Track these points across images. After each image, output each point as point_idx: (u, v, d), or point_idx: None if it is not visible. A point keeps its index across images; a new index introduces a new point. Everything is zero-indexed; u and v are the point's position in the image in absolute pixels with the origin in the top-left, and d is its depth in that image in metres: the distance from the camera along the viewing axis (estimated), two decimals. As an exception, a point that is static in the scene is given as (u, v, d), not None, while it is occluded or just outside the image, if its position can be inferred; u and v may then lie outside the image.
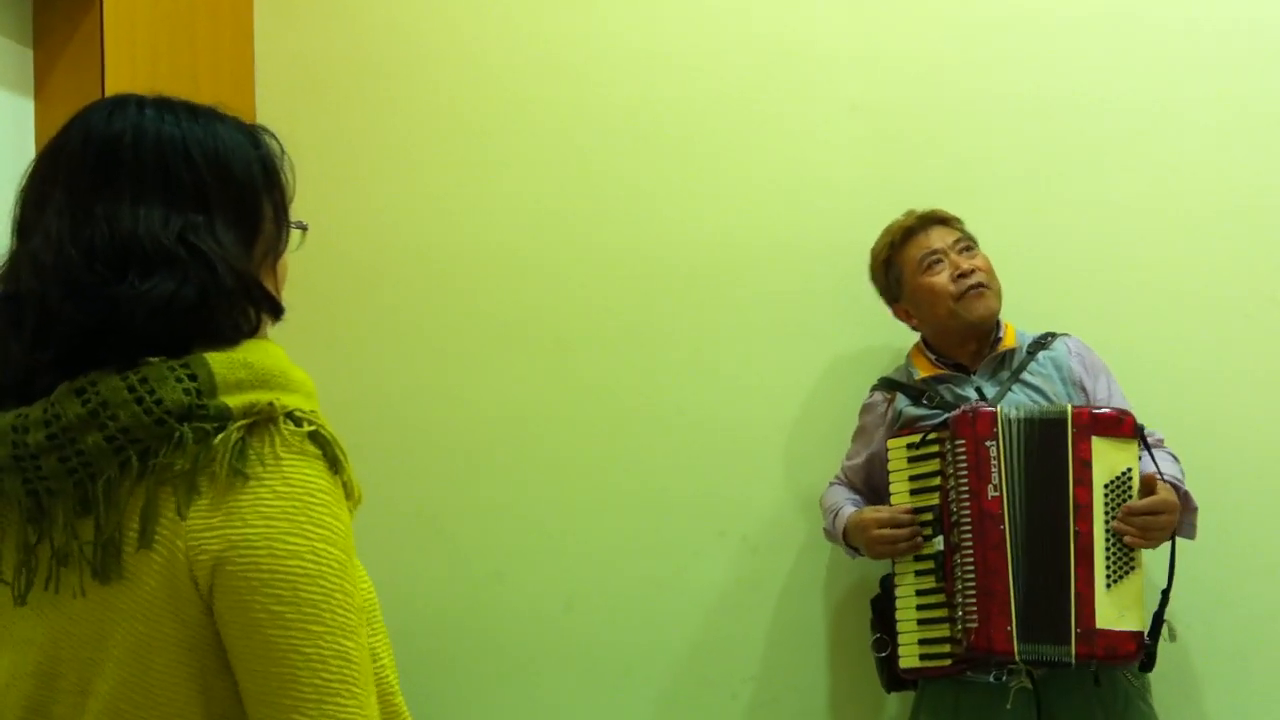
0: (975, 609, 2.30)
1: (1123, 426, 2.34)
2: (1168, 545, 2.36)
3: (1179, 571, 2.36)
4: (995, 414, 2.35)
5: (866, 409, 2.66)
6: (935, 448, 2.41)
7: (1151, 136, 2.81)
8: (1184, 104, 2.80)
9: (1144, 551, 2.34)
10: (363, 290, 3.06)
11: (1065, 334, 2.57)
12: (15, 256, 1.18)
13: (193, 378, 1.12)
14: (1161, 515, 2.30)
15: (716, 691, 2.91)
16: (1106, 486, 2.31)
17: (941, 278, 2.51)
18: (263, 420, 1.13)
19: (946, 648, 2.36)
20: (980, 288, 2.49)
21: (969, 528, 2.33)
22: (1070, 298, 2.79)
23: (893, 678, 2.50)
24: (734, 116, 2.96)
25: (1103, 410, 2.37)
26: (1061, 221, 2.83)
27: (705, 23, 2.99)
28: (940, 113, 2.89)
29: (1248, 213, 2.76)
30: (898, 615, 2.43)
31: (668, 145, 2.99)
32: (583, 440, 2.99)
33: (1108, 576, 2.28)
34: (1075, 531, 2.29)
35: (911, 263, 2.55)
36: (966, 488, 2.34)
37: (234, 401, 1.12)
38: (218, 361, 1.13)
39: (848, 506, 2.60)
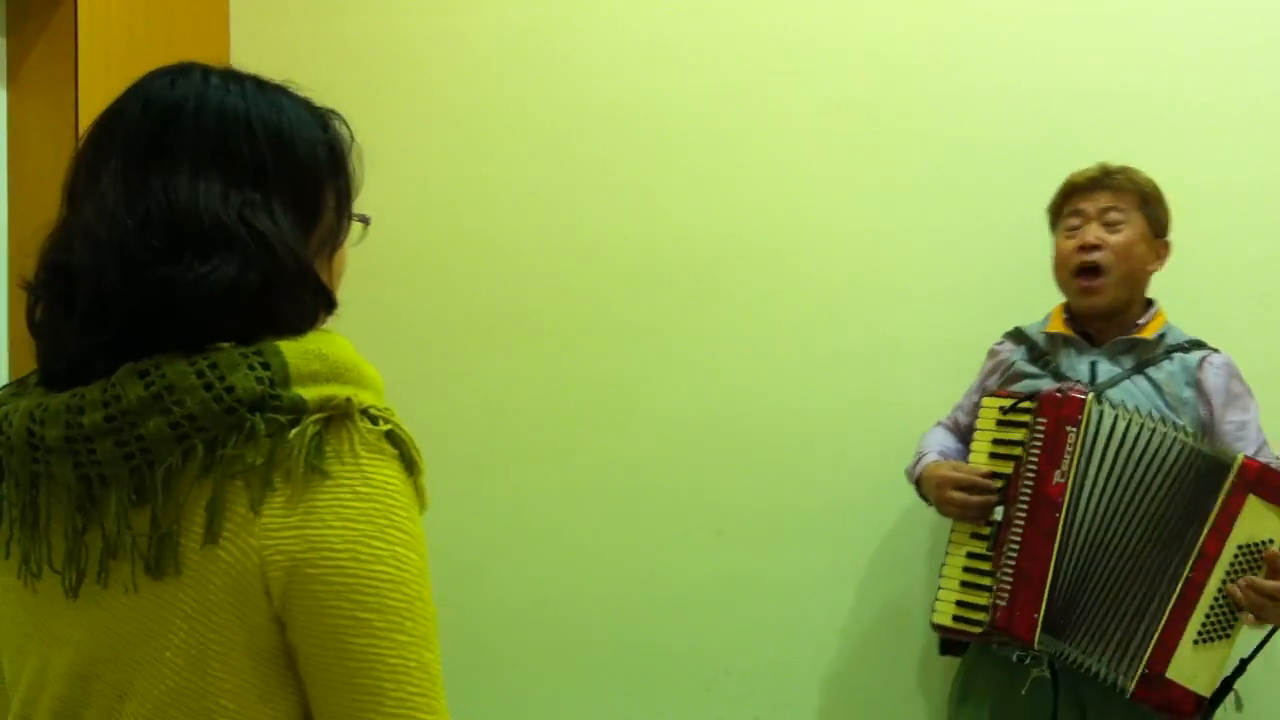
0: (1008, 588, 2.27)
1: None
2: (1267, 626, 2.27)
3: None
4: (1086, 401, 2.28)
5: (991, 354, 2.61)
6: (1026, 417, 2.35)
7: (1142, 130, 2.79)
8: (1176, 98, 2.78)
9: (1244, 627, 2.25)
10: (343, 284, 3.04)
11: (1216, 350, 2.46)
12: (68, 225, 1.11)
13: (265, 366, 1.05)
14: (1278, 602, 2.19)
15: (692, 686, 2.91)
16: (1241, 548, 2.22)
17: (1069, 243, 2.46)
18: (339, 416, 1.06)
19: (981, 615, 2.32)
20: (1092, 274, 2.41)
21: (1025, 506, 2.28)
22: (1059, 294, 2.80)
23: (947, 642, 2.46)
24: (725, 112, 2.95)
25: (1274, 471, 2.23)
26: (1042, 219, 2.83)
27: (697, 18, 2.97)
28: (934, 107, 2.87)
29: (1242, 206, 2.76)
30: (944, 570, 2.40)
31: (657, 140, 2.97)
32: (563, 434, 2.98)
33: (1199, 634, 2.21)
34: (1188, 577, 2.21)
35: (1063, 218, 2.51)
36: (1034, 468, 2.29)
37: (309, 394, 1.06)
38: (291, 351, 1.07)
39: (933, 454, 2.55)
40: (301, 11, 3.12)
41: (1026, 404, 2.34)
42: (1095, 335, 2.47)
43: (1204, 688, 2.20)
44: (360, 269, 3.05)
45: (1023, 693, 2.30)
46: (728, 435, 2.92)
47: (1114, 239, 2.42)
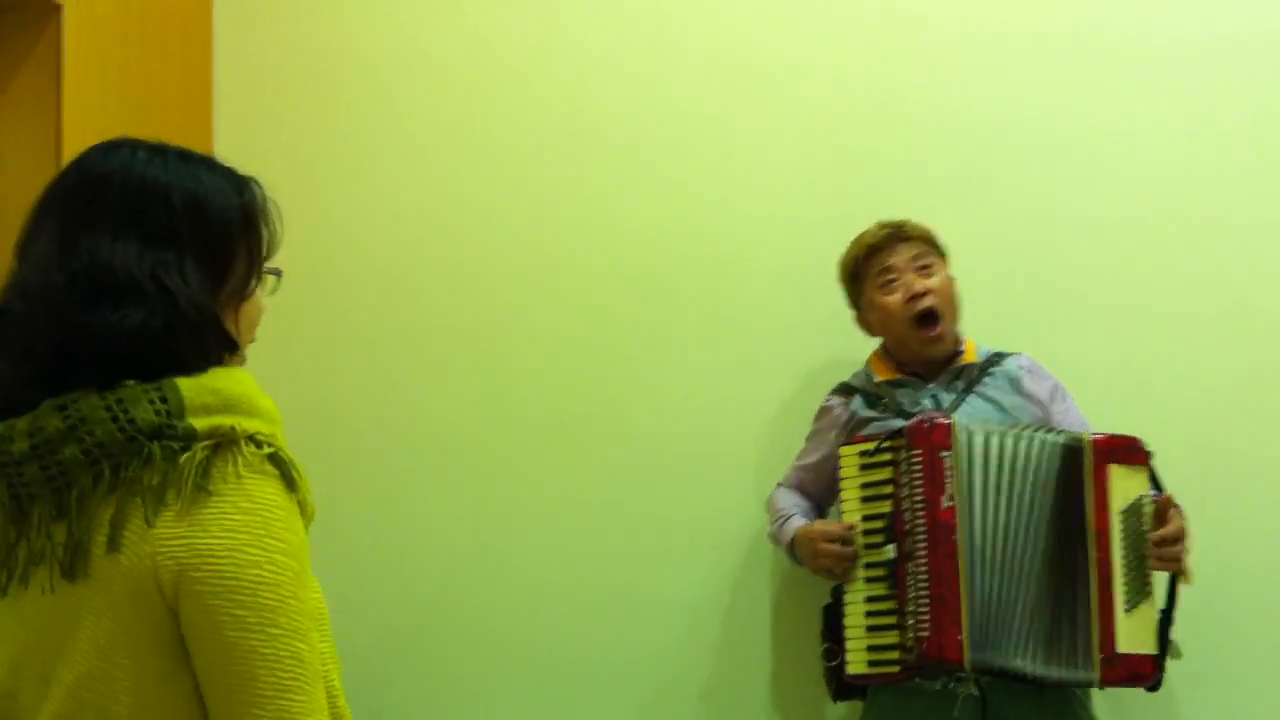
0: (927, 617, 2.32)
1: (1137, 455, 2.38)
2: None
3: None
4: (952, 425, 2.37)
5: (822, 412, 2.69)
6: (888, 456, 2.42)
7: (1115, 151, 2.85)
8: (1147, 119, 2.84)
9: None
10: (318, 301, 3.07)
11: (1016, 354, 2.60)
12: (13, 277, 1.29)
13: (164, 400, 1.22)
14: (1184, 542, 2.35)
15: (677, 697, 2.93)
16: (1122, 514, 2.35)
17: (895, 297, 2.55)
18: (226, 442, 1.23)
19: (896, 654, 2.37)
20: (930, 321, 2.52)
21: (923, 537, 2.35)
22: (1033, 312, 2.83)
23: (840, 686, 2.52)
24: (697, 130, 2.99)
25: (1120, 437, 2.40)
26: (1024, 236, 2.87)
27: (670, 37, 3.02)
28: (904, 127, 2.92)
29: (1210, 225, 2.81)
30: (846, 621, 2.45)
31: (630, 158, 3.02)
32: (544, 448, 3.00)
33: (1126, 602, 2.32)
34: (1095, 558, 2.32)
35: (871, 277, 2.60)
36: (921, 497, 2.35)
37: (200, 424, 1.23)
38: (187, 386, 1.24)
39: (797, 517, 2.62)
40: (283, 33, 3.16)
41: (889, 443, 2.42)
42: (924, 371, 2.57)
43: (1152, 646, 2.33)
44: (334, 287, 3.11)
45: (955, 713, 2.36)
46: (704, 447, 2.94)
47: (934, 283, 2.55)
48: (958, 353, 2.58)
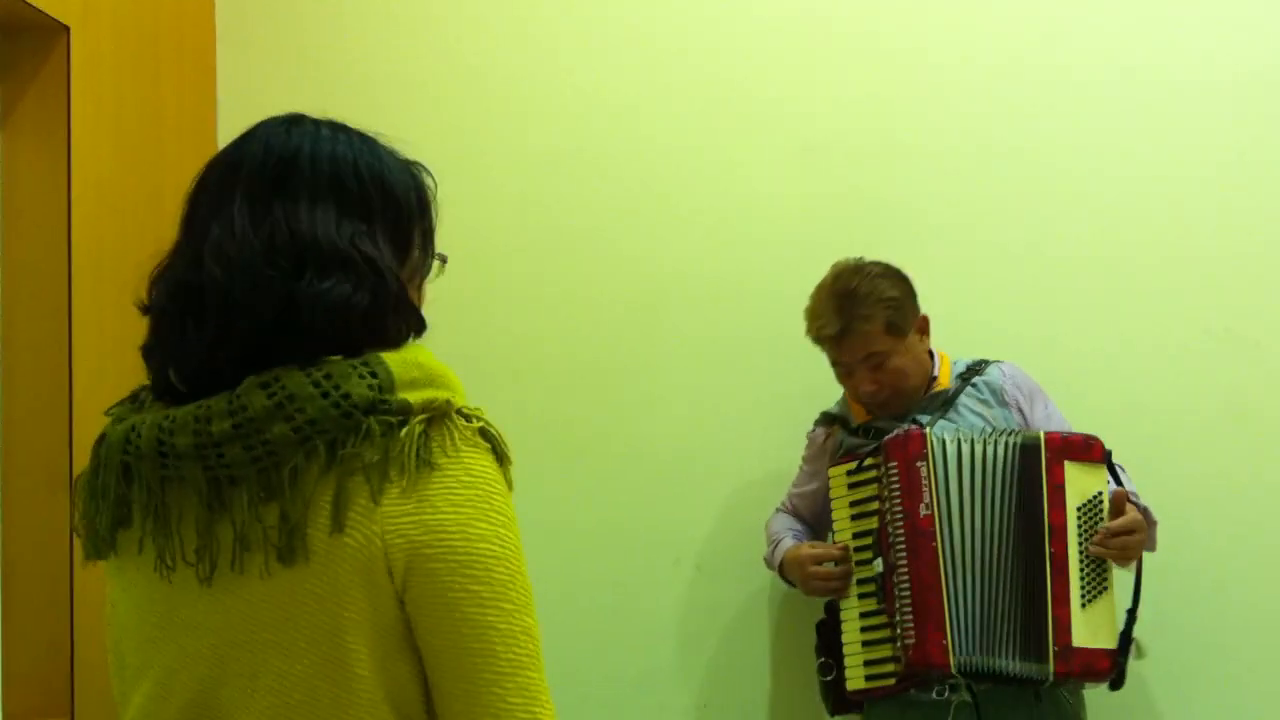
0: (912, 626, 2.36)
1: (1093, 452, 2.41)
2: (1132, 565, 2.43)
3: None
4: (925, 435, 2.41)
5: (811, 442, 2.73)
6: (873, 473, 2.46)
7: (1098, 177, 2.90)
8: (1129, 146, 2.90)
9: (1114, 572, 2.41)
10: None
11: (999, 360, 2.62)
12: (193, 249, 1.23)
13: (374, 375, 1.18)
14: (1136, 534, 2.37)
15: (671, 716, 2.95)
16: (1079, 509, 2.38)
17: (849, 384, 2.58)
18: (439, 415, 1.20)
19: (890, 667, 2.41)
20: (885, 405, 2.54)
21: (903, 547, 2.38)
22: (1019, 332, 2.87)
23: (838, 700, 2.54)
24: (686, 156, 3.03)
25: (1074, 435, 2.43)
26: (1009, 261, 2.92)
27: (657, 64, 3.06)
28: (889, 154, 2.97)
29: (1191, 250, 2.86)
30: (843, 638, 2.49)
31: (619, 183, 3.06)
32: (532, 470, 2.99)
33: (1083, 596, 2.34)
34: (1050, 553, 2.35)
35: (828, 358, 2.61)
36: (900, 508, 2.39)
37: (412, 397, 1.19)
38: (394, 361, 1.20)
39: (788, 538, 2.66)
40: (286, 55, 3.19)
41: (870, 460, 2.45)
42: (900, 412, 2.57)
43: (1108, 640, 2.35)
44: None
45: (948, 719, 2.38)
46: (706, 469, 2.98)
47: (885, 376, 2.51)
48: (933, 379, 2.59)
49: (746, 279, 2.98)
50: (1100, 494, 2.39)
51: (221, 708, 1.20)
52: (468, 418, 1.22)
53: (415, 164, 1.35)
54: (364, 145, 1.29)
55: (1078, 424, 2.57)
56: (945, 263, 2.76)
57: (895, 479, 2.40)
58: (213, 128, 3.12)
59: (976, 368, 2.60)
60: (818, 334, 2.56)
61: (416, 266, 1.32)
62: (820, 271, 2.70)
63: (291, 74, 3.18)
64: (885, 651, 2.42)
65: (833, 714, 2.60)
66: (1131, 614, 2.42)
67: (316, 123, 1.29)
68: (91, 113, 2.65)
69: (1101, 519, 2.38)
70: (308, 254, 1.19)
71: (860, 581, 2.47)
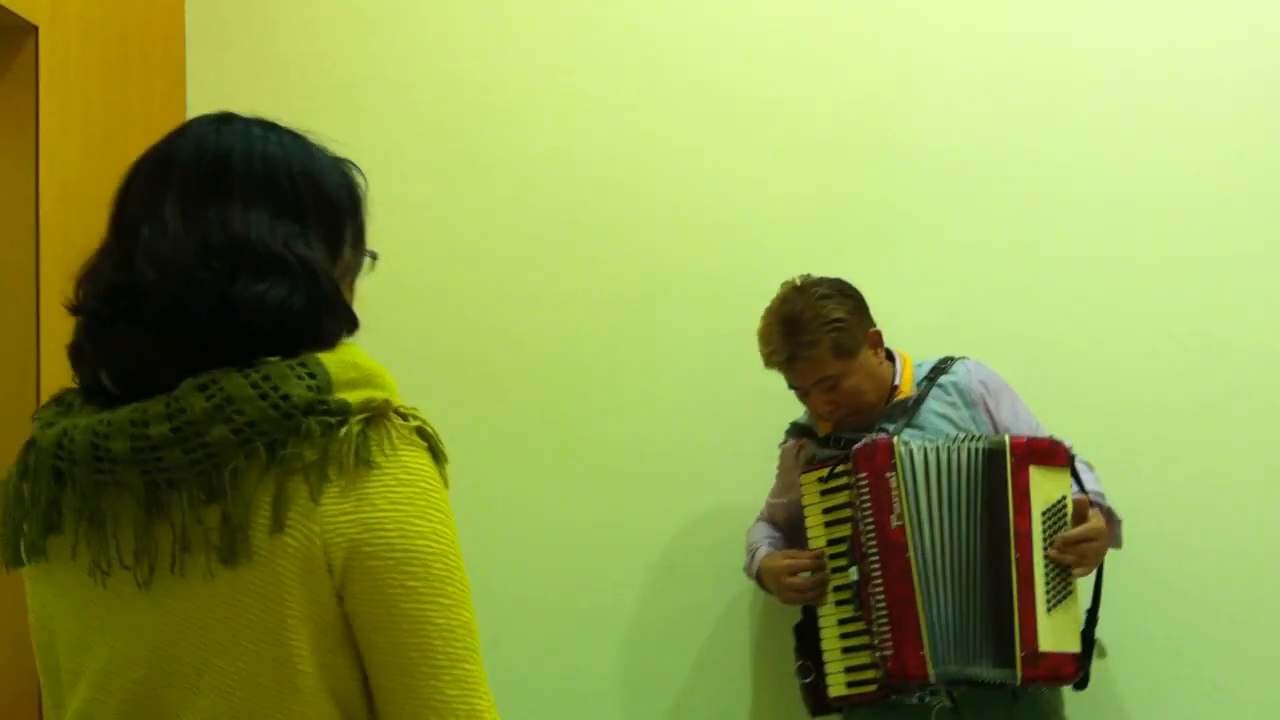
0: (889, 637, 2.37)
1: (1057, 456, 2.41)
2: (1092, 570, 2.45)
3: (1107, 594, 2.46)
4: (893, 445, 2.41)
5: (783, 454, 2.73)
6: (844, 479, 2.46)
7: (1083, 177, 2.92)
8: (1116, 147, 2.92)
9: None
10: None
11: (964, 357, 2.62)
12: (123, 249, 1.22)
13: (312, 375, 1.18)
14: (1094, 542, 2.39)
15: (658, 717, 2.95)
16: (1044, 514, 2.38)
17: (809, 403, 2.60)
18: (377, 415, 1.21)
19: (871, 674, 2.42)
20: (845, 420, 2.55)
21: (876, 559, 2.39)
22: (993, 332, 2.88)
23: (818, 702, 2.55)
24: (681, 157, 3.03)
25: (1038, 440, 2.43)
26: (992, 262, 2.93)
27: (644, 65, 3.06)
28: (875, 155, 2.98)
29: (1164, 252, 2.88)
30: (823, 645, 2.49)
31: (604, 183, 3.05)
32: (514, 473, 3.01)
33: (1048, 601, 2.35)
34: (1015, 559, 2.35)
35: (785, 380, 2.61)
36: (871, 520, 2.40)
37: (350, 397, 1.20)
38: (331, 362, 1.21)
39: (764, 546, 2.66)
40: (256, 54, 3.18)
41: (842, 466, 2.45)
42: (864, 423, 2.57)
43: (1074, 644, 2.37)
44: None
45: None
46: (681, 473, 2.98)
47: (840, 396, 2.52)
48: (894, 387, 2.59)
49: (737, 281, 2.97)
50: (1064, 498, 2.39)
51: (163, 709, 1.21)
52: (405, 417, 1.23)
53: (345, 161, 1.35)
54: (295, 144, 1.29)
55: (1050, 425, 2.58)
56: (926, 262, 2.76)
57: (865, 489, 2.41)
58: (183, 127, 3.10)
59: (941, 367, 2.59)
60: (768, 360, 2.57)
61: (348, 265, 1.33)
62: (814, 273, 2.71)
63: (262, 76, 3.17)
64: (865, 658, 2.43)
65: (814, 714, 2.60)
66: (1092, 615, 2.44)
67: (247, 121, 1.29)
68: (59, 113, 2.63)
69: (1065, 523, 2.39)
70: (242, 256, 1.19)
71: (837, 589, 2.47)
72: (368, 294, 3.15)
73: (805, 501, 2.54)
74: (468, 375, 3.04)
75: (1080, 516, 2.39)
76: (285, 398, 1.16)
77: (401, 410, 1.24)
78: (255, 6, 3.19)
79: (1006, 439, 2.41)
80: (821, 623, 2.50)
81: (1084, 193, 2.91)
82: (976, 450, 2.40)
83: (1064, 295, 2.90)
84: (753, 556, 2.67)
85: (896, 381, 2.60)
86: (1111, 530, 2.48)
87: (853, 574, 2.43)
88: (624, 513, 2.99)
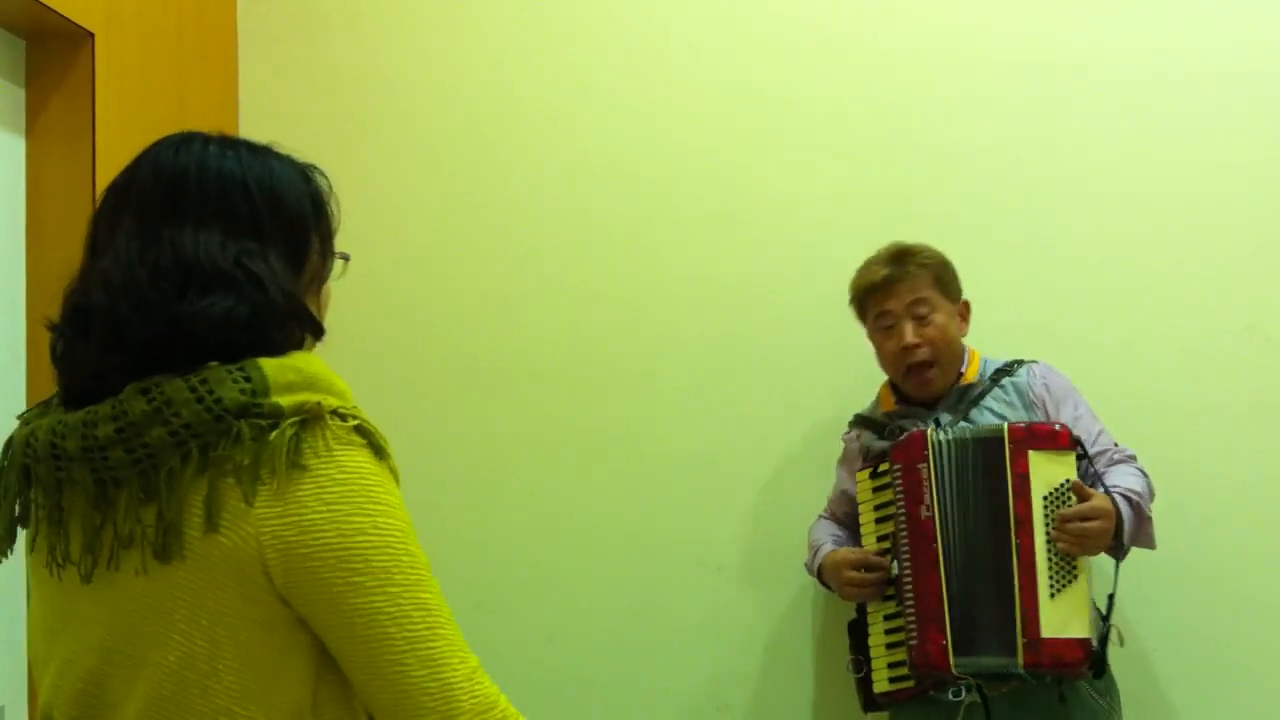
0: (915, 627, 2.37)
1: (1059, 439, 2.38)
2: (1099, 554, 2.41)
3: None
4: (925, 436, 2.41)
5: (845, 444, 2.73)
6: (887, 478, 2.47)
7: (1118, 174, 2.89)
8: (1148, 143, 2.89)
9: (1094, 560, 2.39)
10: (342, 328, 3.08)
11: (1033, 361, 2.61)
12: (86, 273, 1.29)
13: (248, 379, 1.21)
14: (1092, 521, 2.32)
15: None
16: (1045, 498, 2.35)
17: (890, 343, 2.56)
18: (312, 418, 1.23)
19: (909, 670, 2.43)
20: (921, 369, 2.54)
21: (907, 549, 2.40)
22: (1040, 331, 2.85)
23: (869, 699, 2.55)
24: (704, 160, 3.04)
25: (1039, 424, 2.42)
26: (1030, 259, 2.91)
27: (680, 70, 3.07)
28: (911, 156, 2.97)
29: (1217, 244, 2.84)
30: (870, 641, 2.51)
31: (643, 185, 3.06)
32: (562, 473, 3.03)
33: (1050, 586, 2.32)
34: (1016, 544, 2.33)
35: (870, 316, 2.61)
36: (904, 511, 2.41)
37: (285, 401, 1.22)
38: (270, 366, 1.23)
39: (828, 544, 2.65)
40: (308, 58, 3.21)
41: (884, 465, 2.46)
42: (927, 402, 2.57)
43: (1079, 630, 2.32)
44: (354, 318, 3.15)
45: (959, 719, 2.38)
46: (726, 471, 2.98)
47: (929, 331, 2.52)
48: (960, 374, 2.59)
49: (770, 281, 2.99)
50: (1068, 481, 2.36)
51: (107, 698, 1.25)
52: (343, 417, 1.24)
53: (309, 167, 1.37)
54: (254, 159, 1.32)
55: (1104, 422, 2.56)
56: (965, 260, 2.74)
57: (900, 482, 2.42)
58: (235, 131, 3.13)
59: (1007, 369, 2.58)
60: (866, 282, 2.58)
61: (316, 271, 1.36)
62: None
63: (312, 77, 3.21)
64: (904, 655, 2.43)
65: (865, 711, 2.60)
66: (1110, 600, 2.41)
67: (206, 140, 1.32)
68: (116, 118, 2.66)
69: (1068, 507, 2.35)
70: (190, 275, 1.23)
71: (886, 584, 2.47)
72: (420, 294, 3.21)
73: (859, 500, 2.55)
74: (505, 374, 3.06)
75: (1082, 498, 2.35)
76: (218, 400, 1.20)
77: (341, 411, 1.25)
78: (306, 8, 3.23)
79: (1005, 425, 2.40)
80: (870, 619, 2.51)
81: (1125, 187, 2.88)
82: (979, 439, 2.40)
83: (1104, 292, 2.87)
84: (815, 553, 2.66)
85: (963, 369, 2.59)
86: (1142, 528, 2.44)
87: (894, 569, 2.44)
88: (663, 511, 3.00)
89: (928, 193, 2.94)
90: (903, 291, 2.54)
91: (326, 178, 1.38)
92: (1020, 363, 2.60)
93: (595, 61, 3.10)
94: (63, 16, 2.53)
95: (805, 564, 2.73)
